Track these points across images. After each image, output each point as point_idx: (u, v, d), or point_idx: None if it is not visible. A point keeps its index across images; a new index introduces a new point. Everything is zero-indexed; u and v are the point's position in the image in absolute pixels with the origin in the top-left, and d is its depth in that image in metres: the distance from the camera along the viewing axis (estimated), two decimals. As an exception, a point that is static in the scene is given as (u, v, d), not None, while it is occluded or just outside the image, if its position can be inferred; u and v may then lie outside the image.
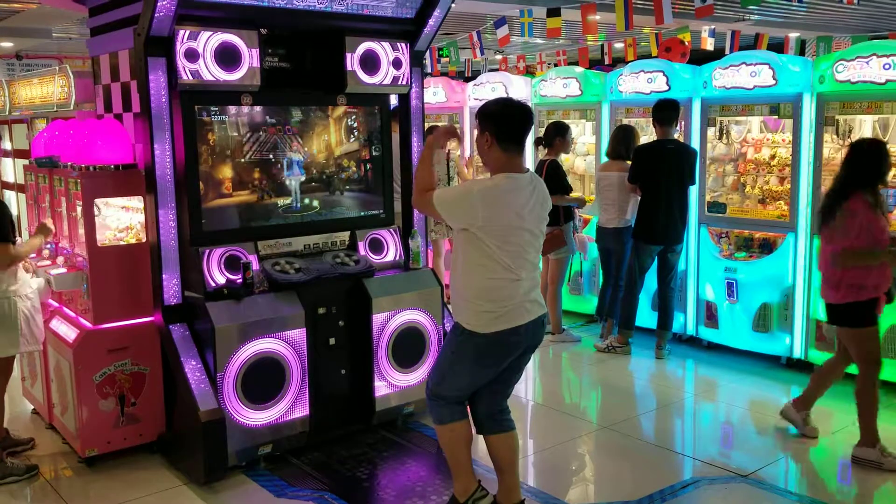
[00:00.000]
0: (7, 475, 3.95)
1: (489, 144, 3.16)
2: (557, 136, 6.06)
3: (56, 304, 4.45)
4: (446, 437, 3.37)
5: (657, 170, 5.62)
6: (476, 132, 3.24)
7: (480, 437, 3.44)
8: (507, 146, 3.16)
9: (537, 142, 6.48)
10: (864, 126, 5.49)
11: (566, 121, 6.60)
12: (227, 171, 4.14)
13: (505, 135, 3.14)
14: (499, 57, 14.86)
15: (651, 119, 5.77)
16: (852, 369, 4.13)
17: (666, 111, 5.61)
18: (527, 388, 5.43)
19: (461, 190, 3.25)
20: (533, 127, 3.38)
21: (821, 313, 5.25)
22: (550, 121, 6.60)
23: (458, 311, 3.24)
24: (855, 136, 5.44)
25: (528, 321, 3.18)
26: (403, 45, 4.50)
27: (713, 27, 11.02)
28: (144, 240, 4.10)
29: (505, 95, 3.46)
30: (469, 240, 3.14)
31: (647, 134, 6.51)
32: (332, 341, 4.24)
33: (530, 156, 7.11)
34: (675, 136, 5.77)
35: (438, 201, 3.20)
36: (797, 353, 5.47)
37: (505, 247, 3.11)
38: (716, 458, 4.26)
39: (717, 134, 6.03)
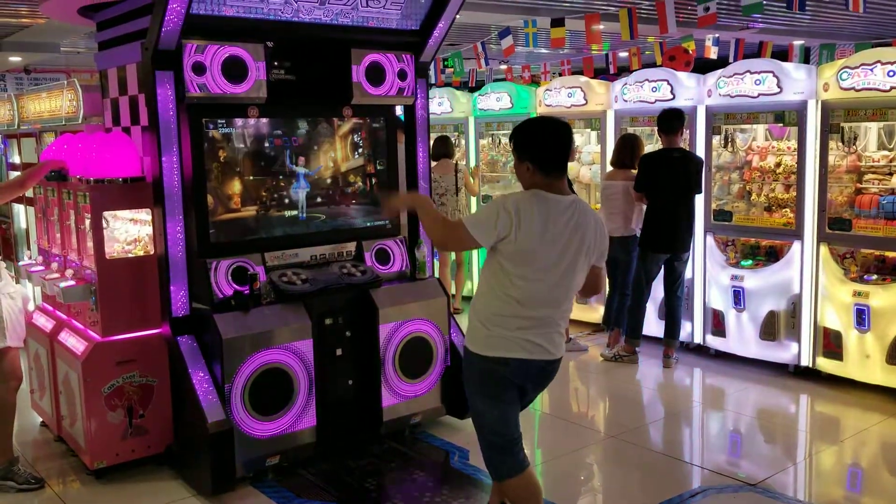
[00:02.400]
0: (8, 478, 3.96)
1: (531, 173, 2.89)
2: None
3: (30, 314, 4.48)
4: (511, 494, 3.06)
5: (663, 178, 5.63)
6: (514, 159, 2.98)
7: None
8: (549, 172, 2.89)
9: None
10: (870, 133, 5.49)
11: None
12: (234, 183, 4.16)
13: (548, 162, 2.88)
14: (503, 67, 14.90)
15: (656, 128, 5.78)
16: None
17: (671, 120, 5.62)
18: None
19: (491, 204, 2.93)
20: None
21: (828, 321, 5.24)
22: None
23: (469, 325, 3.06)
24: (860, 144, 5.45)
25: (523, 358, 2.89)
26: (408, 56, 4.53)
27: (717, 36, 11.04)
28: (152, 252, 4.12)
29: (539, 116, 3.16)
30: (491, 261, 2.92)
31: (651, 143, 6.52)
32: (338, 352, 4.25)
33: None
34: (681, 144, 5.78)
35: (470, 223, 2.90)
36: (805, 361, 5.45)
37: (521, 270, 2.84)
38: (724, 466, 4.24)
39: (723, 142, 6.04)
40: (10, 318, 4.00)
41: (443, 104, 8.00)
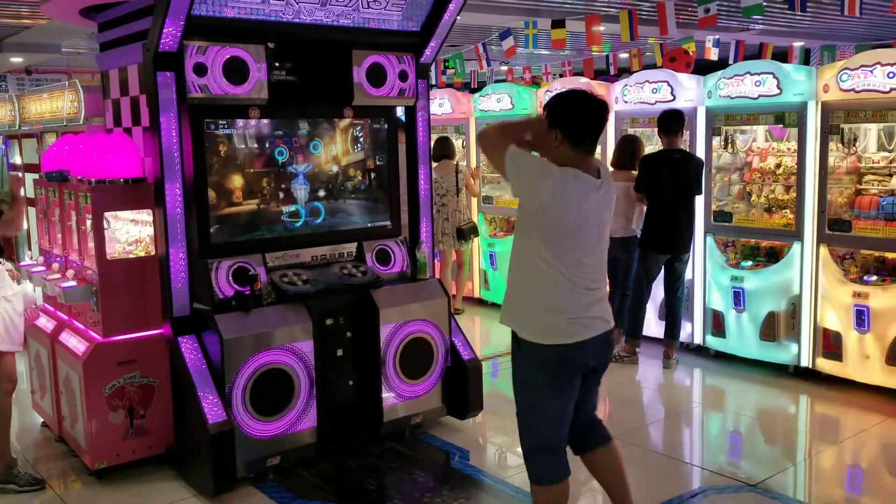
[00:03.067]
0: (9, 482, 3.97)
1: (558, 143, 2.82)
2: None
3: (35, 313, 4.46)
4: (542, 500, 2.97)
5: (664, 179, 5.63)
6: (544, 126, 2.90)
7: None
8: (579, 145, 2.83)
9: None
10: (870, 134, 5.50)
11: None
12: (235, 184, 4.17)
13: (578, 134, 2.82)
14: (504, 68, 14.91)
15: (657, 129, 5.79)
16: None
17: (671, 122, 5.63)
18: (534, 399, 5.43)
19: (538, 159, 2.87)
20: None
21: (828, 322, 5.24)
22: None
23: (515, 319, 2.93)
24: (860, 145, 5.45)
25: (593, 337, 2.87)
26: (409, 57, 4.54)
27: (717, 37, 11.05)
28: (153, 253, 4.13)
29: (577, 88, 3.07)
30: (532, 245, 2.85)
31: (652, 143, 6.53)
32: (339, 352, 4.26)
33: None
34: (681, 145, 5.78)
35: (511, 154, 2.82)
36: (805, 361, 5.45)
37: (566, 248, 2.81)
38: (724, 467, 4.25)
39: (723, 143, 6.04)
40: (4, 323, 3.97)
41: (443, 105, 8.00)
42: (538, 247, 2.83)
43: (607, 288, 3.00)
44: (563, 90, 2.98)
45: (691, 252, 5.87)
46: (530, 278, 2.88)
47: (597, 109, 2.84)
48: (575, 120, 2.82)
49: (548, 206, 2.78)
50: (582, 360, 2.89)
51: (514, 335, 2.96)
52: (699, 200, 5.86)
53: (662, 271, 5.82)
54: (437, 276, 5.45)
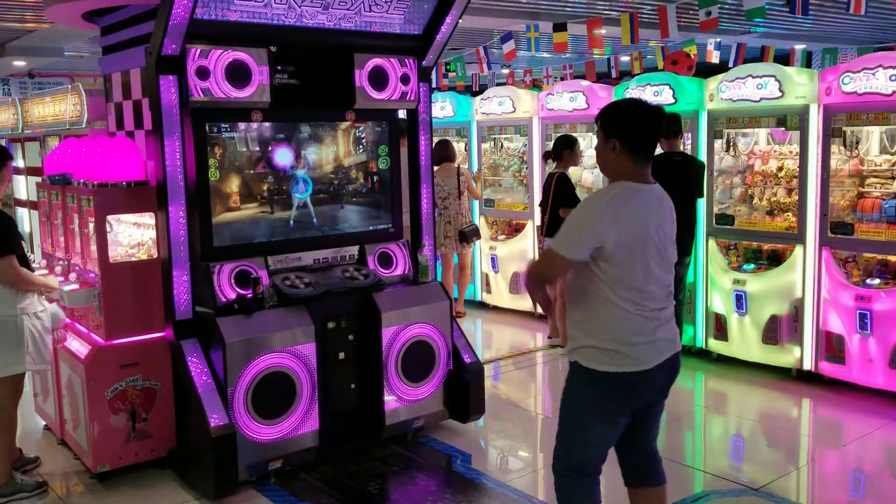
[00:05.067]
0: (17, 492, 3.97)
1: (616, 154, 2.72)
2: (566, 150, 6.08)
3: (64, 334, 4.45)
4: None
5: (665, 182, 5.51)
6: (598, 139, 2.81)
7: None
8: (638, 155, 2.73)
9: (545, 155, 6.50)
10: (872, 137, 5.49)
11: (574, 134, 6.62)
12: (237, 187, 4.18)
13: (637, 144, 2.71)
14: (505, 71, 14.92)
15: None
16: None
17: (669, 125, 5.61)
18: (536, 402, 5.43)
19: (577, 214, 2.73)
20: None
21: (831, 325, 5.24)
22: (558, 134, 6.63)
23: (577, 346, 2.79)
24: (862, 148, 5.45)
25: (660, 363, 2.73)
26: (411, 60, 4.55)
27: (719, 40, 11.05)
28: (156, 256, 4.13)
29: (636, 97, 3.02)
30: (594, 277, 2.69)
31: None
32: (341, 355, 4.26)
33: (537, 168, 7.13)
34: (681, 148, 5.78)
35: (558, 244, 2.69)
36: (807, 365, 5.44)
37: (628, 273, 2.66)
38: (727, 471, 4.24)
39: (725, 146, 6.04)
40: (34, 341, 3.95)
41: (445, 108, 8.01)
42: (606, 269, 2.68)
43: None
44: (615, 101, 2.91)
45: (693, 255, 5.86)
46: (590, 305, 2.74)
47: (655, 116, 2.76)
48: (633, 128, 2.72)
49: (618, 240, 2.64)
50: (643, 386, 2.76)
51: (574, 362, 2.84)
52: (701, 203, 5.85)
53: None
54: (440, 279, 5.44)
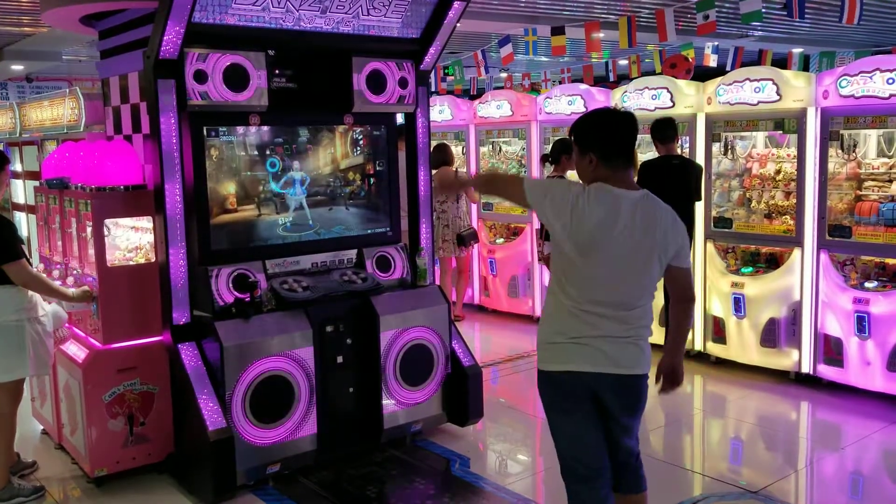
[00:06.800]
0: (14, 496, 3.96)
1: (594, 167, 2.73)
2: (563, 154, 6.08)
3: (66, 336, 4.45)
4: None
5: (663, 185, 5.55)
6: (574, 153, 2.84)
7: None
8: (610, 161, 2.72)
9: (543, 159, 6.50)
10: (870, 140, 5.50)
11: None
12: (235, 191, 4.17)
13: (611, 153, 2.72)
14: (504, 75, 14.94)
15: (651, 138, 5.78)
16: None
17: (665, 129, 5.62)
18: (535, 405, 5.42)
19: (557, 180, 2.91)
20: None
21: (829, 328, 5.24)
22: (556, 138, 6.63)
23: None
24: (860, 151, 5.46)
25: (589, 371, 2.68)
26: (409, 64, 4.55)
27: (717, 44, 11.07)
28: (153, 260, 4.13)
29: (605, 107, 3.27)
30: (556, 255, 2.76)
31: (651, 150, 6.52)
32: (339, 359, 4.25)
33: (536, 172, 7.13)
34: (678, 151, 5.79)
35: (530, 184, 2.81)
36: (806, 368, 5.45)
37: (584, 262, 2.65)
38: (725, 474, 4.24)
39: (722, 149, 6.05)
40: (34, 346, 3.94)
41: (443, 112, 8.01)
42: (568, 256, 2.69)
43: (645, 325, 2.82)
44: (586, 113, 2.92)
45: (691, 258, 5.85)
46: (546, 305, 2.82)
47: (621, 121, 2.77)
48: (607, 138, 2.73)
49: (572, 227, 2.65)
50: (584, 388, 2.72)
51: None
52: (699, 207, 5.86)
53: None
54: (438, 282, 5.44)
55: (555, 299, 2.77)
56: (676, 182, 5.62)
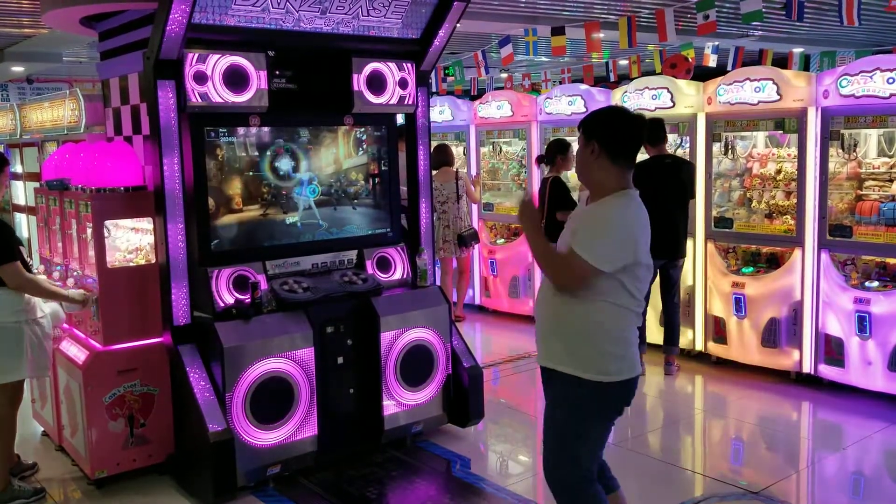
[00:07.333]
0: (15, 498, 3.96)
1: (596, 156, 2.72)
2: (559, 154, 6.09)
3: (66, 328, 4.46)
4: None
5: (656, 185, 5.59)
6: (579, 145, 2.83)
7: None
8: (617, 158, 2.73)
9: (539, 160, 6.50)
10: (870, 140, 5.50)
11: (570, 138, 6.62)
12: (235, 192, 4.17)
13: (619, 149, 2.73)
14: (504, 75, 14.93)
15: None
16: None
17: (657, 131, 5.60)
18: (536, 406, 5.42)
19: (605, 222, 2.71)
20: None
21: (830, 328, 5.23)
22: (553, 138, 6.63)
23: (573, 356, 2.74)
24: (860, 151, 5.45)
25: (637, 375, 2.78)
26: (409, 65, 4.55)
27: (716, 44, 11.07)
28: (154, 261, 4.13)
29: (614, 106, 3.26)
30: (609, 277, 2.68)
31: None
32: (340, 360, 4.25)
33: (536, 172, 7.13)
34: (668, 151, 5.77)
35: (585, 251, 2.63)
36: (806, 368, 5.44)
37: (634, 279, 2.72)
38: (726, 474, 4.23)
39: (723, 149, 6.04)
40: (32, 348, 3.93)
41: (443, 112, 8.01)
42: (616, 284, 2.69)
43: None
44: (597, 108, 2.94)
45: (692, 258, 5.86)
46: (594, 315, 2.71)
47: (632, 120, 2.79)
48: (615, 131, 2.73)
49: (636, 258, 2.72)
50: (625, 397, 2.81)
51: (559, 373, 2.79)
52: (699, 206, 5.86)
53: (658, 278, 5.81)
54: (438, 283, 5.44)
55: (609, 306, 2.69)
56: (671, 181, 5.61)
